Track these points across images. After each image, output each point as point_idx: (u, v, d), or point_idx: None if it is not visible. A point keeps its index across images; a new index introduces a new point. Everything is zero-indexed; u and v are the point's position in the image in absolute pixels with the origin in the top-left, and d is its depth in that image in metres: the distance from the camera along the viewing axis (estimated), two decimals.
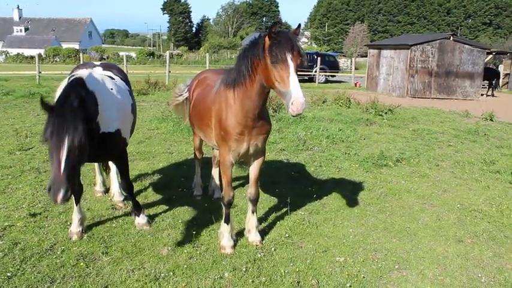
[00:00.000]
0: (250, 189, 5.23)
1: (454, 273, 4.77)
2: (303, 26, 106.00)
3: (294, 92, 3.98)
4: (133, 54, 57.06)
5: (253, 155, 5.04)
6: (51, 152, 3.76)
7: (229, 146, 4.83)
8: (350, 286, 4.39)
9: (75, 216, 5.23)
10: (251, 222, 5.33)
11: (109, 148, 4.93)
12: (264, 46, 4.23)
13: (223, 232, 5.15)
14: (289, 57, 4.07)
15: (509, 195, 7.41)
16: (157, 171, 7.98)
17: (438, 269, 4.83)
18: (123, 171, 5.45)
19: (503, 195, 7.40)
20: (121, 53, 37.52)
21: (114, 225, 5.59)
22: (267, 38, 4.22)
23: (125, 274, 4.39)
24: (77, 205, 5.26)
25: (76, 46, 65.71)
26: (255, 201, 5.28)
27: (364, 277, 4.57)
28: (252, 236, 5.32)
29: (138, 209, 5.59)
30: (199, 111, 5.56)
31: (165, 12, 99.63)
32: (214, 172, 6.84)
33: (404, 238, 5.59)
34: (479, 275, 4.74)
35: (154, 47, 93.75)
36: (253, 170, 5.15)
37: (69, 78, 5.40)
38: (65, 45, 63.37)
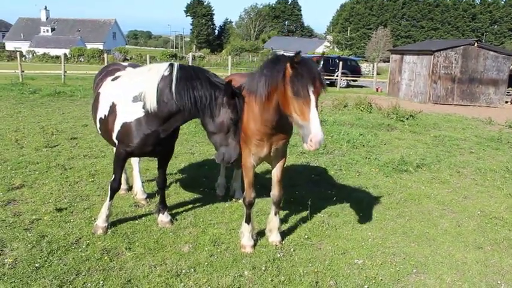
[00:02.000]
0: (273, 191, 5.27)
1: (473, 279, 4.77)
2: (325, 30, 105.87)
3: (313, 129, 3.93)
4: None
5: (274, 158, 5.10)
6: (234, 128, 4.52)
7: (249, 149, 4.90)
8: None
9: (104, 211, 5.37)
10: (273, 223, 5.38)
11: (174, 139, 5.38)
12: (284, 73, 4.16)
13: (244, 231, 5.24)
14: (311, 90, 4.02)
15: None
16: (180, 171, 8.12)
17: (457, 275, 4.84)
18: (166, 166, 5.71)
19: None
20: (147, 55, 37.90)
21: (137, 222, 5.73)
22: (288, 66, 4.13)
23: (147, 269, 4.52)
24: (110, 200, 5.41)
25: (100, 46, 66.75)
26: (278, 202, 5.32)
27: (381, 279, 4.62)
28: (273, 236, 5.38)
29: (163, 206, 5.73)
30: None
31: (188, 14, 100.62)
32: (237, 173, 6.88)
33: (423, 243, 5.60)
34: (499, 282, 4.74)
35: (177, 49, 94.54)
36: (276, 171, 5.19)
37: (105, 77, 5.69)
38: (89, 46, 64.44)
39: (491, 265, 5.12)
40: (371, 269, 4.85)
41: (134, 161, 6.65)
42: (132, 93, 4.91)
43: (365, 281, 4.56)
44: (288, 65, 4.14)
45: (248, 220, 5.24)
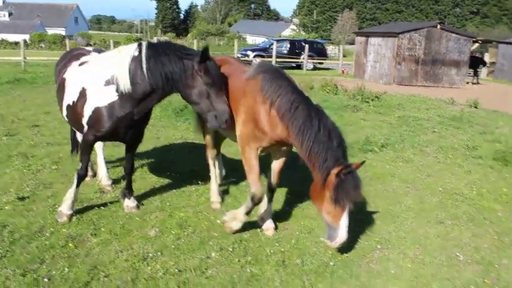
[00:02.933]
0: (273, 179, 5.20)
1: (434, 252, 4.94)
2: (291, 13, 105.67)
3: (341, 233, 4.26)
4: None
5: (281, 151, 5.07)
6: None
7: (259, 145, 4.79)
8: (334, 265, 4.53)
9: (69, 198, 5.25)
10: (267, 210, 5.29)
11: (146, 123, 5.31)
12: (326, 177, 4.23)
13: (239, 218, 5.04)
14: (350, 204, 4.23)
15: (489, 179, 7.62)
16: (146, 156, 8.03)
17: (419, 249, 4.99)
18: (135, 151, 5.65)
19: (484, 179, 7.60)
20: (111, 40, 37.06)
21: (102, 208, 5.65)
22: (334, 171, 4.19)
23: (113, 254, 4.48)
24: (76, 187, 5.30)
25: (62, 32, 64.76)
26: (274, 190, 5.29)
27: (347, 256, 4.72)
28: (268, 223, 5.29)
29: (130, 191, 5.67)
30: None
31: None
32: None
33: (387, 220, 5.74)
34: (458, 254, 4.92)
35: (142, 34, 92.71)
36: (278, 162, 5.14)
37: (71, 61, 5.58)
38: (50, 31, 62.37)
39: (451, 239, 5.30)
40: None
41: (99, 147, 6.54)
42: (104, 77, 4.84)
43: (331, 259, 4.65)
44: (335, 171, 4.19)
45: (249, 213, 5.07)
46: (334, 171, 4.19)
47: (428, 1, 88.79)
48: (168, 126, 10.61)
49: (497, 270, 4.63)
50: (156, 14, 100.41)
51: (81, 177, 5.32)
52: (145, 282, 4.02)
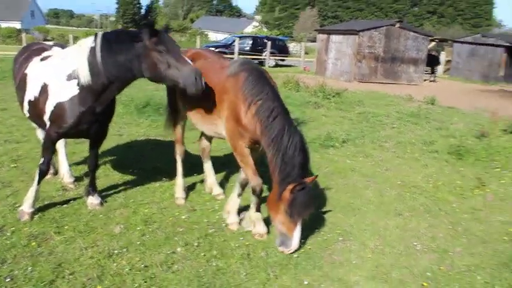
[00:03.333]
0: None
1: (393, 243, 5.14)
2: (253, 10, 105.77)
3: (294, 243, 4.55)
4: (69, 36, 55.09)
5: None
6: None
7: (246, 142, 4.85)
8: (297, 257, 4.64)
9: (31, 196, 5.16)
10: (234, 204, 5.37)
11: (110, 119, 5.28)
12: (283, 191, 4.45)
13: (256, 220, 5.10)
14: (301, 220, 4.50)
15: (445, 172, 7.94)
16: (108, 153, 7.94)
17: (379, 240, 5.18)
18: (99, 147, 5.59)
19: (440, 172, 7.92)
20: (70, 35, 36.23)
21: (65, 205, 5.58)
22: (289, 189, 4.40)
23: (78, 252, 4.45)
24: (38, 185, 5.22)
25: (17, 26, 62.63)
26: (245, 186, 5.36)
27: (310, 248, 4.85)
28: (232, 217, 5.33)
29: (93, 188, 5.61)
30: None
31: None
32: (207, 167, 6.40)
33: (348, 213, 5.91)
34: (415, 243, 5.14)
35: (102, 29, 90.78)
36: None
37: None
38: (4, 25, 60.16)
39: (410, 229, 5.52)
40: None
41: (60, 144, 6.43)
42: (66, 71, 4.83)
43: (295, 251, 4.76)
44: (290, 187, 4.41)
45: (259, 208, 5.12)
46: (290, 187, 4.40)
47: (387, 0, 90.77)
48: (131, 123, 10.51)
49: (452, 258, 4.86)
50: (116, 8, 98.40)
51: (42, 173, 5.23)
52: (111, 279, 4.02)
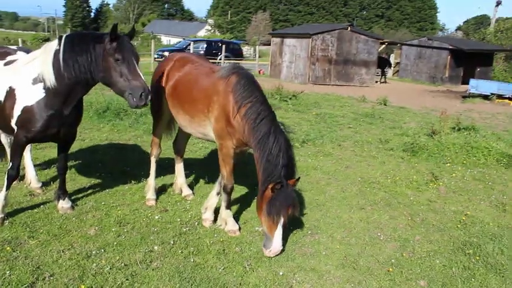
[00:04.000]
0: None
1: (358, 234, 5.46)
2: (205, 13, 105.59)
3: (275, 243, 4.60)
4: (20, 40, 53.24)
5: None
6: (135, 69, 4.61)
7: (234, 142, 5.02)
8: (270, 251, 4.86)
9: (0, 202, 5.15)
10: (213, 202, 5.58)
11: (78, 122, 5.32)
12: (264, 191, 4.62)
13: (227, 217, 5.30)
14: (282, 219, 4.57)
15: (401, 168, 8.40)
16: (73, 157, 7.88)
17: (345, 232, 5.49)
18: (68, 150, 5.63)
19: (397, 168, 8.37)
20: (19, 39, 35.04)
21: (35, 210, 5.56)
22: (269, 188, 4.57)
23: (55, 254, 4.49)
24: (7, 190, 5.20)
25: None
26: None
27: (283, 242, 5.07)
28: (208, 214, 5.53)
29: (63, 192, 5.62)
30: (189, 95, 5.38)
31: None
32: (179, 168, 6.47)
33: (314, 208, 6.20)
34: (379, 234, 5.48)
35: (49, 33, 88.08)
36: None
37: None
38: None
39: (372, 222, 5.87)
40: None
41: (26, 150, 6.38)
42: (31, 75, 4.84)
43: None
44: (270, 186, 4.57)
45: (229, 206, 5.33)
46: (270, 186, 4.58)
47: (337, 4, 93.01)
48: (91, 128, 10.43)
49: (412, 246, 5.23)
50: (64, 12, 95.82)
51: (11, 178, 5.19)
52: (93, 278, 4.10)
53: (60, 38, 4.79)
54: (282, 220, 4.58)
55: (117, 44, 4.56)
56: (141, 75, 4.65)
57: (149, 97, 4.62)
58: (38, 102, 4.82)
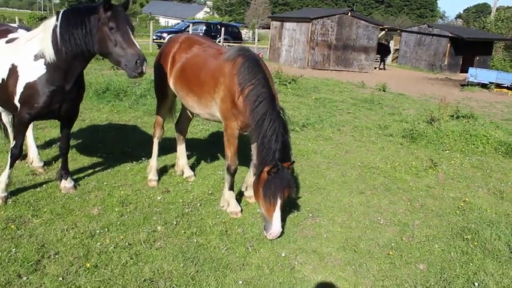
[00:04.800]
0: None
1: (358, 218, 5.53)
2: None
3: (274, 226, 4.63)
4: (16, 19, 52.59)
5: None
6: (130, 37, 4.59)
7: (239, 123, 5.07)
8: (270, 234, 4.92)
9: (3, 180, 5.17)
10: (251, 180, 5.59)
11: (80, 99, 5.37)
12: (260, 174, 4.67)
13: (230, 199, 5.37)
14: (279, 201, 4.61)
15: (400, 154, 8.45)
16: (73, 137, 7.89)
17: (345, 216, 5.56)
18: (70, 129, 5.63)
19: (396, 154, 8.42)
20: (16, 17, 34.69)
21: (38, 189, 5.59)
22: (266, 169, 4.61)
23: (59, 233, 4.53)
24: (10, 168, 5.22)
25: None
26: None
27: (283, 224, 5.13)
28: (250, 191, 5.61)
29: (66, 171, 5.64)
30: (197, 76, 5.40)
31: None
32: (181, 149, 6.50)
33: (314, 192, 6.26)
34: (379, 218, 5.55)
35: (45, 11, 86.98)
36: None
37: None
38: None
39: (372, 206, 5.94)
40: None
41: (28, 129, 6.38)
42: (33, 52, 4.88)
43: None
44: (266, 169, 4.62)
45: (232, 187, 5.40)
46: (266, 169, 4.62)
47: None
48: (91, 108, 10.42)
49: (411, 230, 5.31)
50: None
51: (15, 156, 5.21)
52: (98, 257, 4.15)
53: (57, 14, 4.85)
54: (278, 202, 4.62)
55: (111, 13, 4.57)
56: (136, 43, 4.63)
57: (145, 64, 4.59)
58: (39, 78, 4.84)
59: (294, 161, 4.96)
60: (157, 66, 5.94)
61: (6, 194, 5.22)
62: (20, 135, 5.18)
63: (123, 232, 4.66)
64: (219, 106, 5.16)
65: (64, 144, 5.63)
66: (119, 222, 4.85)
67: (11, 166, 5.25)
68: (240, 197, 5.82)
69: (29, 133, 6.39)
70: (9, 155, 5.22)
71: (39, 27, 5.15)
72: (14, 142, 5.21)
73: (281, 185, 4.62)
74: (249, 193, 5.77)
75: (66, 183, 5.65)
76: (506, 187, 7.12)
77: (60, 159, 5.84)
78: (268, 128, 4.69)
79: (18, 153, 5.24)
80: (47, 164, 6.48)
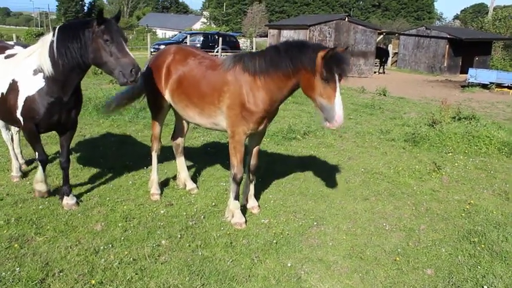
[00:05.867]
0: (253, 161, 5.63)
1: (364, 224, 5.49)
2: (200, 5, 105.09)
3: (337, 111, 4.50)
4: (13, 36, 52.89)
5: (260, 132, 5.44)
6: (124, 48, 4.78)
7: (248, 127, 5.08)
8: (276, 243, 4.90)
9: (40, 178, 5.75)
10: (250, 190, 5.76)
11: (78, 109, 5.56)
12: (315, 60, 4.51)
13: (234, 209, 5.36)
14: (339, 78, 4.50)
15: (403, 158, 8.42)
16: (73, 154, 7.89)
17: (350, 223, 5.52)
18: (70, 142, 5.76)
19: (399, 159, 8.38)
20: (13, 34, 34.89)
21: (40, 207, 5.57)
22: (320, 54, 4.48)
23: (63, 251, 4.50)
24: (44, 172, 5.75)
25: None
26: (254, 171, 5.74)
27: (288, 234, 5.11)
28: (251, 202, 5.79)
29: (68, 187, 5.66)
30: (197, 88, 5.40)
31: None
32: (180, 162, 6.48)
33: (318, 200, 6.22)
34: (384, 224, 5.51)
35: (42, 28, 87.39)
36: (257, 143, 5.62)
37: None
38: None
39: (377, 212, 5.90)
40: (277, 226, 5.32)
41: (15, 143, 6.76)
42: (32, 67, 5.13)
43: (273, 237, 5.01)
44: (321, 53, 4.49)
45: (237, 197, 5.41)
46: (321, 53, 4.50)
47: None
48: (91, 123, 10.42)
49: (418, 235, 5.27)
50: (57, 6, 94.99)
51: (44, 162, 5.65)
52: (102, 273, 4.12)
53: (54, 30, 5.07)
54: (338, 86, 4.51)
55: (104, 26, 4.75)
56: (130, 53, 4.80)
57: (139, 73, 4.78)
58: (39, 91, 5.08)
59: (348, 47, 5.07)
60: (149, 79, 5.88)
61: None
62: (35, 144, 5.52)
63: (128, 247, 4.63)
64: (226, 114, 5.15)
65: (64, 158, 5.69)
66: (122, 238, 4.82)
67: (44, 170, 5.73)
68: (243, 207, 5.78)
69: (16, 149, 6.61)
70: (39, 163, 5.64)
71: (37, 43, 5.34)
72: (36, 152, 5.58)
73: (342, 60, 4.52)
74: (251, 204, 5.77)
75: (69, 200, 5.64)
76: (511, 188, 7.07)
77: (56, 178, 5.93)
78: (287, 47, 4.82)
79: (45, 158, 5.66)
80: (49, 180, 6.45)
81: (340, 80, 4.55)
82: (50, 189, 5.89)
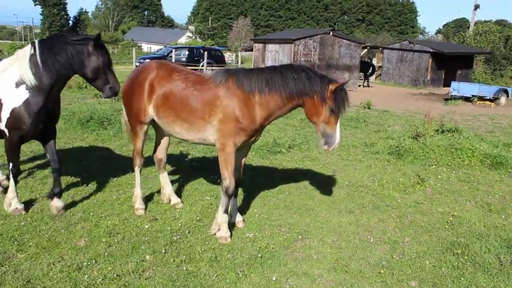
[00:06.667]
0: (237, 173, 5.57)
1: (348, 237, 5.51)
2: (186, 20, 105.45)
3: (337, 137, 5.12)
4: None
5: (250, 144, 5.60)
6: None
7: (240, 139, 5.16)
8: (261, 257, 4.89)
9: (12, 196, 5.72)
10: (234, 205, 5.71)
11: (58, 116, 5.80)
12: (325, 91, 4.91)
13: (222, 223, 5.33)
14: (343, 111, 5.04)
15: (387, 171, 8.48)
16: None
17: (335, 236, 5.54)
18: (55, 143, 5.84)
19: (383, 171, 8.45)
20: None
21: (22, 223, 5.49)
22: (331, 88, 4.89)
23: (46, 267, 4.44)
24: (16, 185, 5.76)
25: None
26: (239, 184, 5.73)
27: (273, 248, 5.11)
28: (236, 216, 5.78)
29: (60, 189, 5.79)
30: (184, 104, 5.37)
31: (37, 3, 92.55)
32: (164, 177, 6.44)
33: (303, 213, 6.24)
34: (369, 237, 5.54)
35: (26, 41, 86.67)
36: (243, 157, 5.69)
37: None
38: None
39: (361, 225, 5.93)
40: (262, 240, 5.31)
41: None
42: (13, 79, 5.26)
43: (258, 251, 5.01)
44: (332, 87, 4.91)
45: (227, 211, 5.39)
46: (332, 87, 4.91)
47: (318, 8, 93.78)
48: (75, 138, 10.34)
49: (402, 247, 5.30)
50: (41, 20, 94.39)
51: (17, 176, 5.79)
52: None
53: (33, 44, 5.31)
54: (340, 117, 5.06)
55: (100, 49, 5.30)
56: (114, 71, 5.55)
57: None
58: (24, 102, 5.25)
59: (348, 80, 5.39)
60: (129, 94, 5.83)
61: (22, 205, 5.82)
62: (14, 156, 5.61)
63: (111, 263, 4.58)
64: (218, 128, 5.17)
65: (56, 161, 5.75)
66: (106, 253, 4.77)
67: (16, 183, 5.76)
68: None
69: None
70: (11, 175, 5.64)
71: (12, 56, 5.59)
72: (11, 164, 5.60)
73: (347, 99, 5.04)
74: (236, 218, 5.76)
75: (58, 203, 5.73)
76: (494, 199, 7.17)
77: (41, 192, 5.87)
78: (291, 73, 5.07)
79: (18, 172, 5.79)
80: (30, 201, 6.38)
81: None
82: (23, 207, 5.82)
